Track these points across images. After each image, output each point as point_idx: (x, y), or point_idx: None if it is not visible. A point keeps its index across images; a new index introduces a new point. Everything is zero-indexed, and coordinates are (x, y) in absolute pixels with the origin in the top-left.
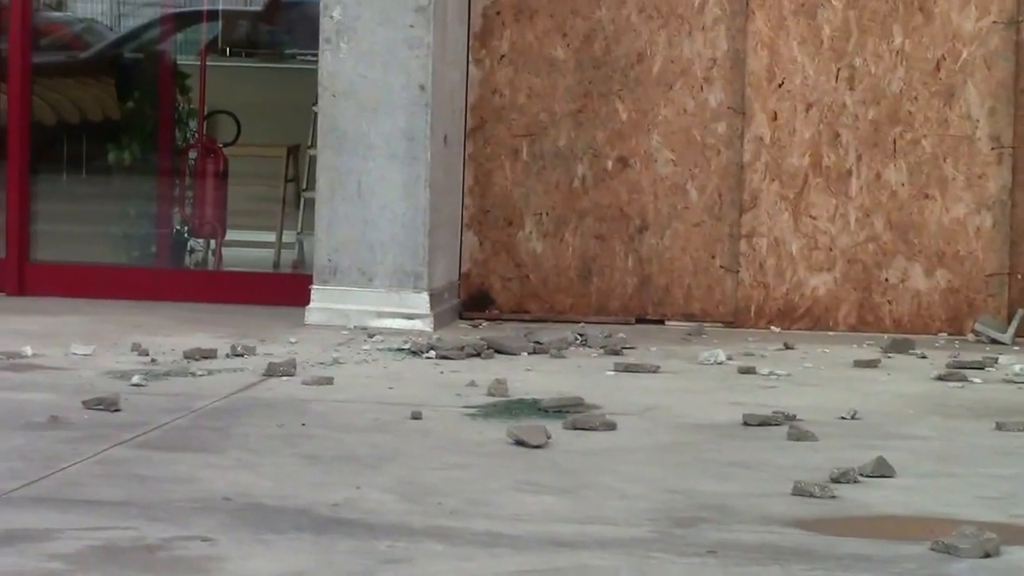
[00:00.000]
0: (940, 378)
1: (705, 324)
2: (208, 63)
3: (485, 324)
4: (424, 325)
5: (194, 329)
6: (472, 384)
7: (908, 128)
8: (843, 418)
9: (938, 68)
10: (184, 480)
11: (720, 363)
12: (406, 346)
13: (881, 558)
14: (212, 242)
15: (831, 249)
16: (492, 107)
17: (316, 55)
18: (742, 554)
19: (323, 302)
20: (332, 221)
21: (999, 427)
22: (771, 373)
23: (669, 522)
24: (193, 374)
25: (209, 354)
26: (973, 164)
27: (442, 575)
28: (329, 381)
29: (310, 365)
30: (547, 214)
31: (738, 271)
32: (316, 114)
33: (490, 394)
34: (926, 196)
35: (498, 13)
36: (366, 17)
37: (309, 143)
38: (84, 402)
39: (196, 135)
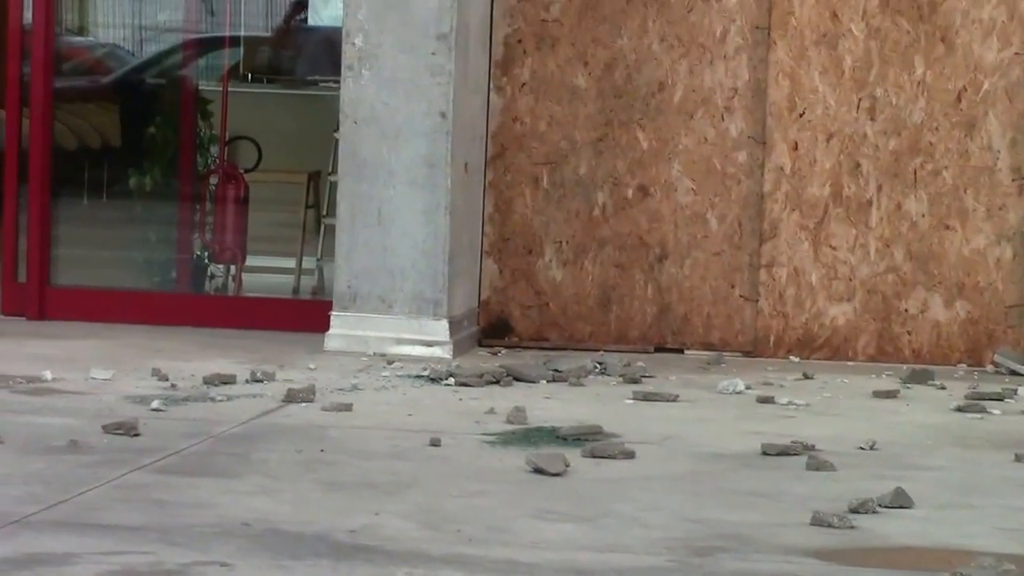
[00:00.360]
0: (959, 409)
1: (724, 353)
2: (229, 89)
3: (504, 352)
4: (443, 352)
5: (214, 354)
6: (491, 412)
7: (929, 159)
8: (862, 448)
9: (959, 99)
10: (203, 505)
11: (739, 392)
12: (425, 373)
13: None
14: (232, 268)
15: (851, 279)
16: (513, 135)
17: (336, 81)
18: None
19: (342, 328)
20: (352, 248)
21: (1018, 459)
22: (790, 403)
23: (687, 551)
24: (213, 399)
25: (229, 379)
26: (994, 195)
27: None
28: (348, 407)
29: (329, 391)
30: (567, 242)
31: (757, 300)
32: (337, 140)
33: (509, 422)
34: (946, 227)
35: (520, 41)
36: (388, 45)
37: (330, 169)
38: (104, 427)
39: (217, 161)
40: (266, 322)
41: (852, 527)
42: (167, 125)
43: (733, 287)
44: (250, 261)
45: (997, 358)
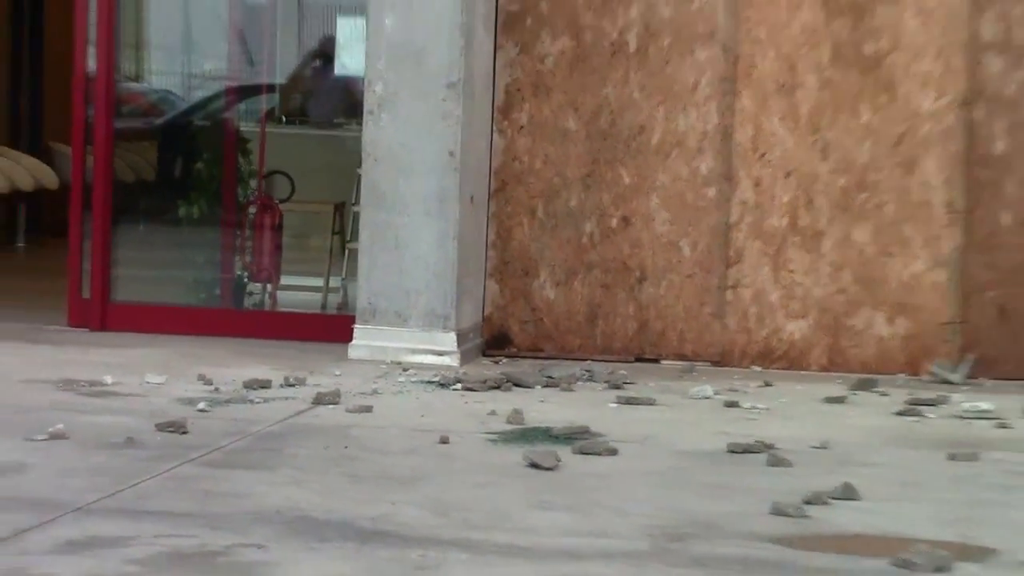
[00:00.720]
0: (900, 413)
1: (695, 363)
2: (267, 129)
3: (505, 361)
4: (452, 361)
5: (252, 362)
6: (493, 413)
7: (874, 194)
8: (815, 447)
9: (900, 142)
10: (242, 495)
11: (708, 398)
12: (436, 379)
13: (848, 571)
14: (268, 286)
15: (805, 299)
16: (512, 171)
17: (357, 123)
18: (727, 566)
19: (364, 340)
20: (372, 269)
21: (951, 457)
22: (752, 407)
23: (664, 537)
24: (251, 401)
25: (265, 384)
26: (930, 227)
27: None
28: (369, 409)
29: (353, 395)
30: (559, 266)
31: (724, 317)
32: (360, 176)
33: (509, 422)
34: (889, 254)
35: (519, 89)
36: (404, 92)
37: (353, 201)
38: (156, 425)
39: (255, 192)
40: (297, 334)
41: (807, 516)
42: (212, 161)
43: (703, 306)
44: (283, 280)
45: (933, 368)
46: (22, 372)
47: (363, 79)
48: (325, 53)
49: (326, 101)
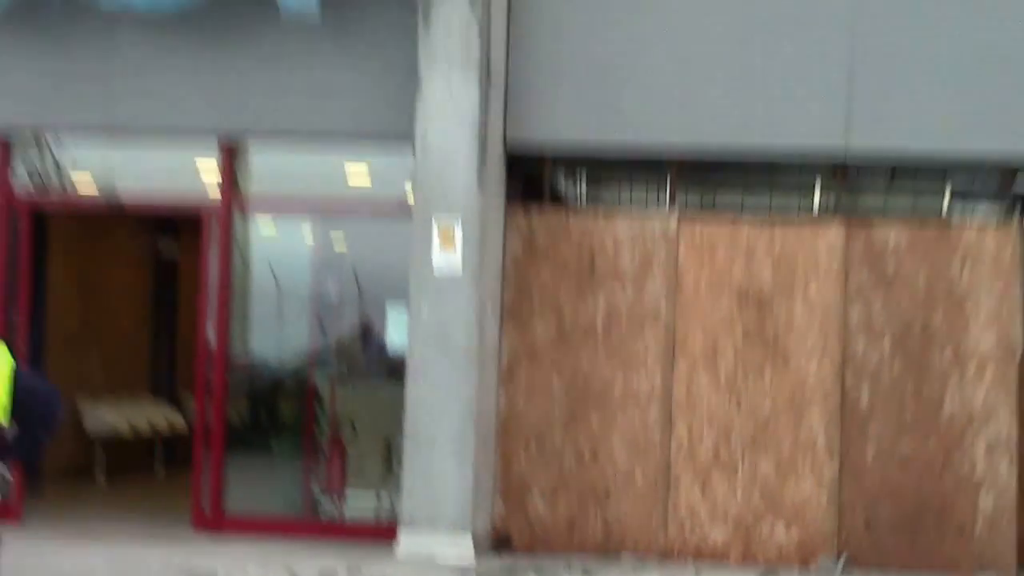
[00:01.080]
0: None
1: (646, 558)
2: (336, 386)
3: (508, 557)
4: (469, 557)
5: (324, 556)
6: None
7: (773, 435)
8: None
9: (793, 398)
10: None
11: None
12: (458, 571)
13: None
14: (337, 499)
15: (726, 513)
16: (512, 418)
17: (401, 381)
18: None
19: (407, 540)
20: (412, 489)
21: None
22: None
23: None
24: None
25: (334, 573)
26: (816, 460)
27: None
28: None
29: None
30: (546, 487)
31: (667, 526)
32: (404, 421)
33: None
34: (785, 480)
35: (517, 359)
36: (434, 360)
37: (400, 439)
38: None
39: (328, 432)
40: (358, 536)
41: None
42: (296, 408)
43: (651, 516)
44: (348, 496)
45: (820, 563)
46: (156, 565)
47: (406, 350)
48: (374, 331)
49: (380, 365)
